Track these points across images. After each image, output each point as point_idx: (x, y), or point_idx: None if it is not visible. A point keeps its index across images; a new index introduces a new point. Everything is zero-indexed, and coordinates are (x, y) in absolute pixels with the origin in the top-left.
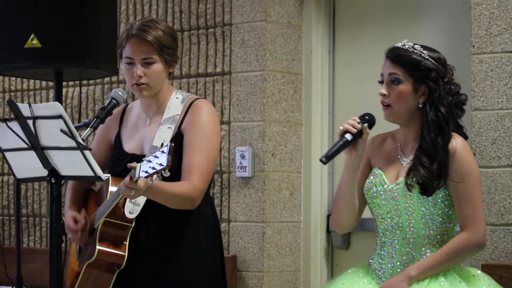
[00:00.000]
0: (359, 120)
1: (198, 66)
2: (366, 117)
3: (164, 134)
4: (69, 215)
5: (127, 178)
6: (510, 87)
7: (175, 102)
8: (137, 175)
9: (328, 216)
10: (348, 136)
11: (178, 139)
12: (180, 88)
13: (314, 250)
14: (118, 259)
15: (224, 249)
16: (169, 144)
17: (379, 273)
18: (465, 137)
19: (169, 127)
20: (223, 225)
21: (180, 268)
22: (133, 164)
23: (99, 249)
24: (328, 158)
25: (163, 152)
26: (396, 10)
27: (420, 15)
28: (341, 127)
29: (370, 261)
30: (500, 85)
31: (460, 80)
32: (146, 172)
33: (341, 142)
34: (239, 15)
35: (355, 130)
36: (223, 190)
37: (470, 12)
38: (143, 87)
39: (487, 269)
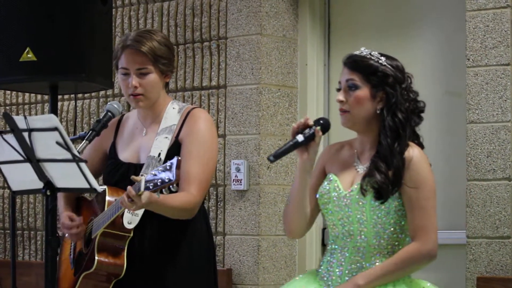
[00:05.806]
0: (312, 123)
1: (193, 80)
2: (321, 121)
3: (161, 144)
4: (64, 215)
5: (133, 192)
6: (505, 100)
7: (172, 112)
8: (142, 189)
9: (324, 229)
10: (299, 138)
11: (175, 149)
12: None
13: (309, 263)
14: (117, 269)
15: (219, 262)
16: (176, 158)
17: (327, 280)
18: (421, 146)
19: (166, 137)
20: (218, 238)
21: (174, 276)
22: (138, 177)
23: (98, 260)
24: (276, 157)
25: (171, 166)
26: (391, 23)
27: (415, 28)
28: (294, 125)
29: (319, 268)
30: (495, 98)
31: (455, 93)
32: (153, 186)
33: (291, 143)
34: (234, 29)
35: (307, 131)
36: (218, 203)
37: (465, 25)
38: (140, 97)
39: (483, 282)
